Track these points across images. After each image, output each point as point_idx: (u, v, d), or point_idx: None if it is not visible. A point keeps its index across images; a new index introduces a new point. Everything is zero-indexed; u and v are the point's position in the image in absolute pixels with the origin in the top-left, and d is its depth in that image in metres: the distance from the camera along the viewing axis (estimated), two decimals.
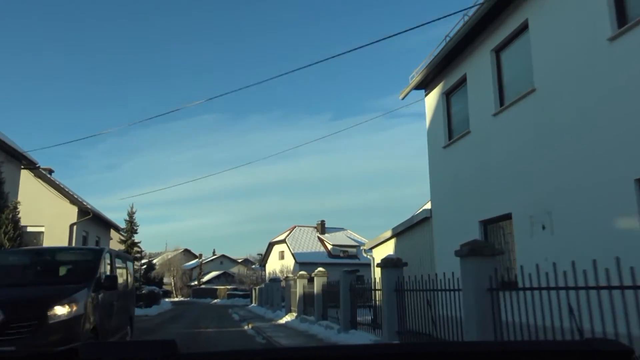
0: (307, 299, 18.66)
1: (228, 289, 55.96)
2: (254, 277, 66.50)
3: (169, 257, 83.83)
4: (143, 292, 32.54)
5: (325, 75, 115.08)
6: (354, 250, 63.63)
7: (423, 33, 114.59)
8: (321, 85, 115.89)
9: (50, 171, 39.37)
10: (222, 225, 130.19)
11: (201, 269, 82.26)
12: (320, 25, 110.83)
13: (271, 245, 65.73)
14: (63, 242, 31.97)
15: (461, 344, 1.98)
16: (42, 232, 32.12)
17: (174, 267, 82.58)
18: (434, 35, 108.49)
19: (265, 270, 66.98)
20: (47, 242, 32.26)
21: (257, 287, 39.59)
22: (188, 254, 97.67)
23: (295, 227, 65.23)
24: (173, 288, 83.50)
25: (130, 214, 32.73)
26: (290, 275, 22.69)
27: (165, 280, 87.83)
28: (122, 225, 33.18)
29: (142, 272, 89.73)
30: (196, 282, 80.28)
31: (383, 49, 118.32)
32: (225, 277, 75.96)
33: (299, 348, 1.30)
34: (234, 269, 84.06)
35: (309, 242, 63.65)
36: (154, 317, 28.59)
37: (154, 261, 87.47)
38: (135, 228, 32.66)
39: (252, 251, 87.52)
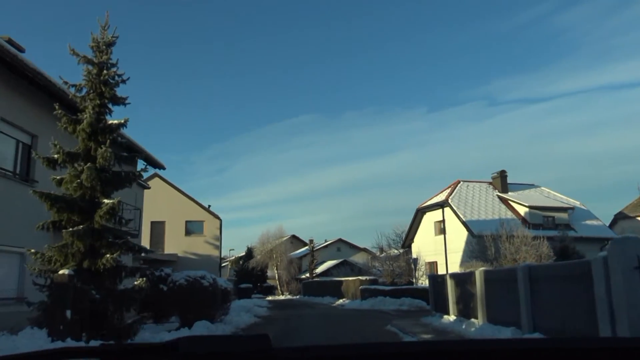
0: None
1: (362, 282, 32.85)
2: (394, 266, 42.97)
3: (270, 241, 63.00)
4: (137, 282, 10.06)
5: (417, 67, 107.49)
6: (564, 215, 37.79)
7: (513, 17, 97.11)
8: (414, 78, 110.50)
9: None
10: (331, 221, 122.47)
11: (313, 256, 60.44)
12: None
13: (420, 215, 41.96)
14: None
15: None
16: None
17: (277, 255, 61.71)
18: (524, 20, 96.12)
19: (410, 252, 43.67)
20: None
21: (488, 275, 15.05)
22: (296, 241, 76.81)
23: (459, 182, 40.94)
24: (277, 282, 62.75)
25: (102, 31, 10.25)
26: None
27: (268, 273, 67.60)
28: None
29: (240, 263, 70.09)
30: (307, 275, 58.62)
31: (473, 34, 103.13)
32: (347, 267, 53.24)
33: (400, 344, 1.21)
34: (356, 257, 61.41)
35: (485, 205, 38.97)
36: None
37: (253, 247, 67.36)
38: (109, 66, 10.28)
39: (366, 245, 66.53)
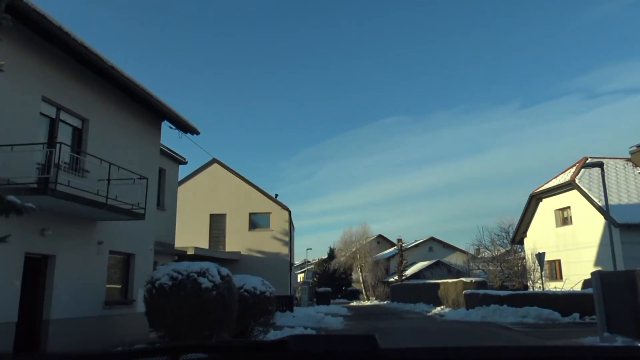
0: None
1: (465, 285, 25.56)
2: (503, 267, 35.40)
3: (353, 240, 56.91)
4: None
5: (508, 62, 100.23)
6: None
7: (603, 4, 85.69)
8: (504, 73, 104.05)
9: None
10: (420, 224, 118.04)
11: (402, 256, 53.35)
12: None
13: (535, 202, 33.99)
14: None
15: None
16: None
17: (361, 256, 55.45)
18: (624, 2, 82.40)
19: (522, 249, 36.01)
20: None
21: None
22: (383, 241, 70.10)
23: (586, 159, 32.43)
24: (362, 286, 56.49)
25: None
26: None
27: (353, 276, 61.49)
28: None
29: (323, 263, 64.35)
30: (396, 278, 51.68)
31: (570, 21, 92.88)
32: (443, 268, 45.66)
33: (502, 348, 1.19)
34: (450, 258, 53.55)
35: (626, 186, 30.48)
36: None
37: (335, 248, 61.52)
38: None
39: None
